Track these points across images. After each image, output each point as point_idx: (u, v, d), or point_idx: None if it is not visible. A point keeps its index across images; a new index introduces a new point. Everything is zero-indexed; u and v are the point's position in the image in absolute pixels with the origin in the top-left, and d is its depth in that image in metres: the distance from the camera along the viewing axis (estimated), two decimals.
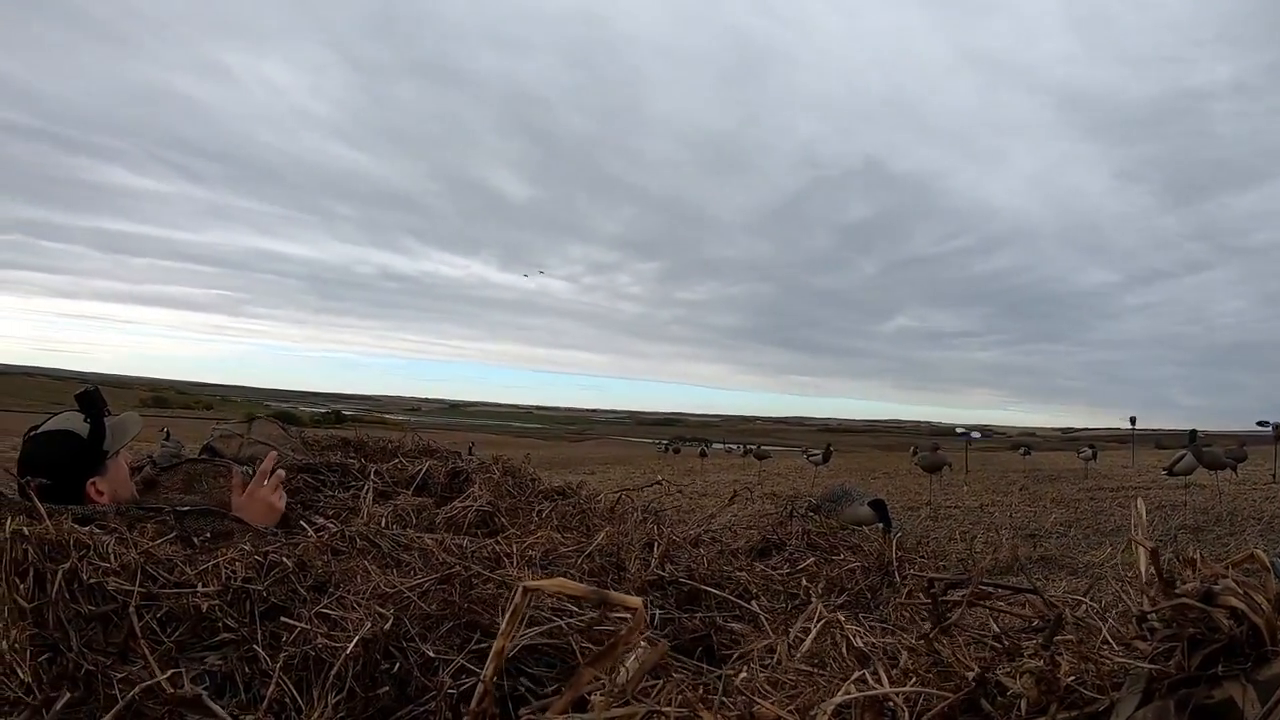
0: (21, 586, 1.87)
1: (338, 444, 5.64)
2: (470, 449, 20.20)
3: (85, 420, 2.53)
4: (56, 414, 2.66)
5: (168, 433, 17.60)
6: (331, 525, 2.57)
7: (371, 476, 3.62)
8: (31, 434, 2.58)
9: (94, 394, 2.62)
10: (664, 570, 2.29)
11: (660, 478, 6.17)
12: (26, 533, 1.91)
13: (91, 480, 2.47)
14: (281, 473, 2.59)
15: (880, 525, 6.43)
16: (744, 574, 2.41)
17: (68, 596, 1.88)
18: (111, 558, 1.96)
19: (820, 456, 16.27)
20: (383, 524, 2.76)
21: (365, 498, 3.11)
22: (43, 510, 2.04)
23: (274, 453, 2.62)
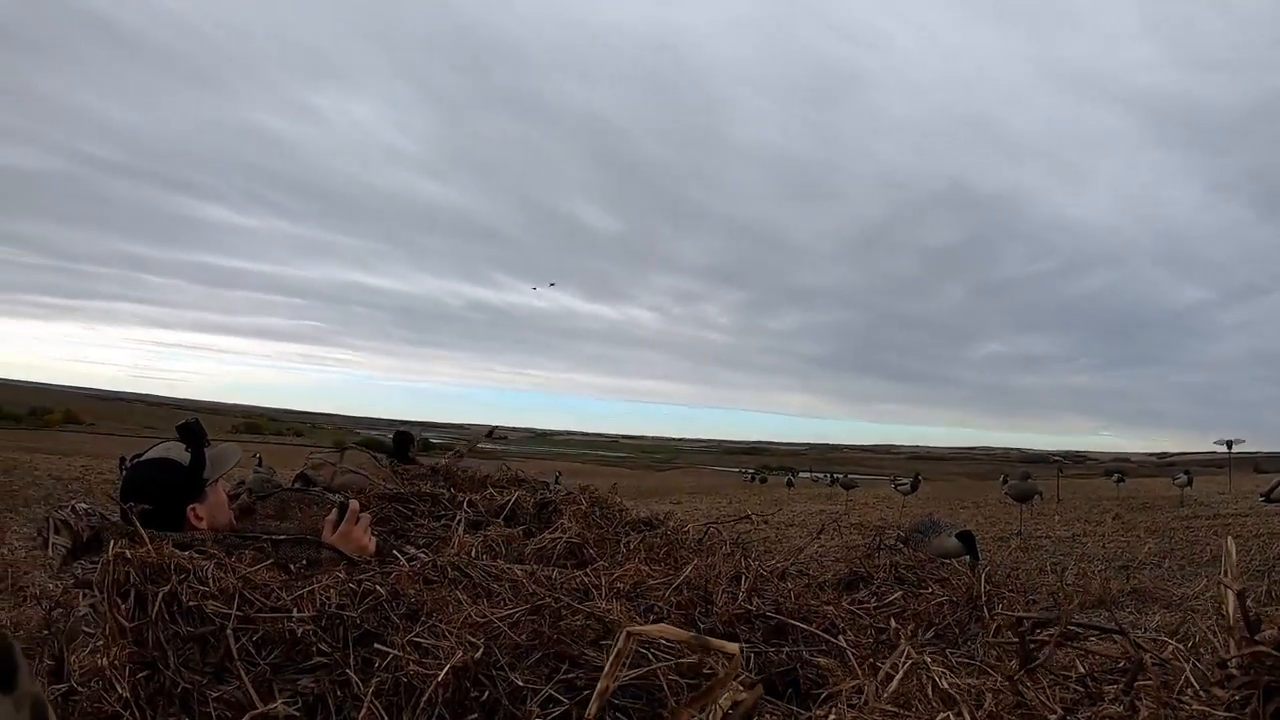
0: (123, 607, 1.93)
1: (427, 473, 5.72)
2: (557, 478, 20.23)
3: (186, 449, 2.59)
4: (158, 443, 2.73)
5: (259, 459, 17.96)
6: (423, 555, 2.59)
7: (463, 507, 3.63)
8: (135, 461, 2.67)
9: (195, 425, 2.69)
10: (751, 604, 2.27)
11: (749, 513, 6.14)
12: (129, 555, 1.97)
13: (192, 506, 2.53)
14: (369, 515, 2.63)
15: (968, 558, 6.31)
16: (830, 608, 2.38)
17: (167, 618, 1.93)
18: (210, 582, 2.01)
19: (908, 486, 15.99)
20: (473, 554, 2.78)
21: (456, 528, 3.13)
22: (144, 535, 2.09)
23: (355, 502, 2.65)
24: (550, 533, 3.06)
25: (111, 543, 2.03)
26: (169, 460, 2.60)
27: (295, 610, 2.01)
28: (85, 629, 2.15)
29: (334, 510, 2.61)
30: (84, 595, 2.20)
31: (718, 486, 32.06)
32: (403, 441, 8.20)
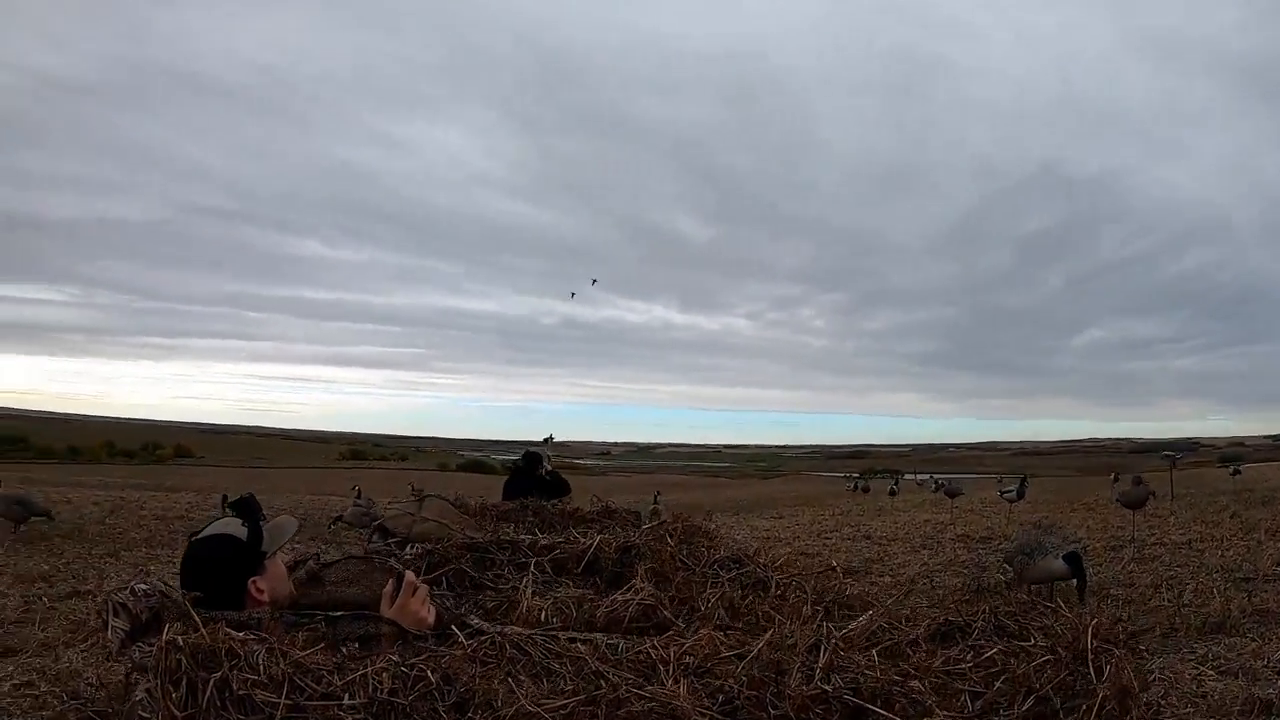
0: (174, 695, 1.89)
1: (515, 509, 5.64)
2: (656, 497, 20.15)
3: (243, 524, 2.57)
4: (215, 519, 2.74)
5: (359, 491, 18.20)
6: (485, 626, 2.48)
7: (533, 567, 3.51)
8: (193, 538, 2.66)
9: (250, 500, 2.69)
10: (829, 683, 2.07)
11: (834, 564, 5.85)
12: (181, 643, 1.92)
13: (253, 580, 2.50)
14: (426, 587, 2.53)
15: (1074, 581, 6.00)
16: (917, 683, 2.16)
17: (219, 705, 1.87)
18: (260, 668, 1.94)
19: (1014, 492, 15.46)
20: (542, 617, 2.66)
21: (525, 590, 3.00)
22: (197, 620, 2.04)
23: (410, 574, 2.56)
24: (623, 593, 2.90)
25: (166, 627, 1.99)
26: (227, 536, 2.60)
27: (346, 697, 1.91)
28: (142, 714, 2.07)
29: (391, 582, 2.52)
30: (140, 680, 2.13)
31: (821, 496, 31.68)
32: (532, 461, 8.20)
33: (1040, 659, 2.27)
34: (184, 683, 1.90)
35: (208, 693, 1.87)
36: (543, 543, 3.87)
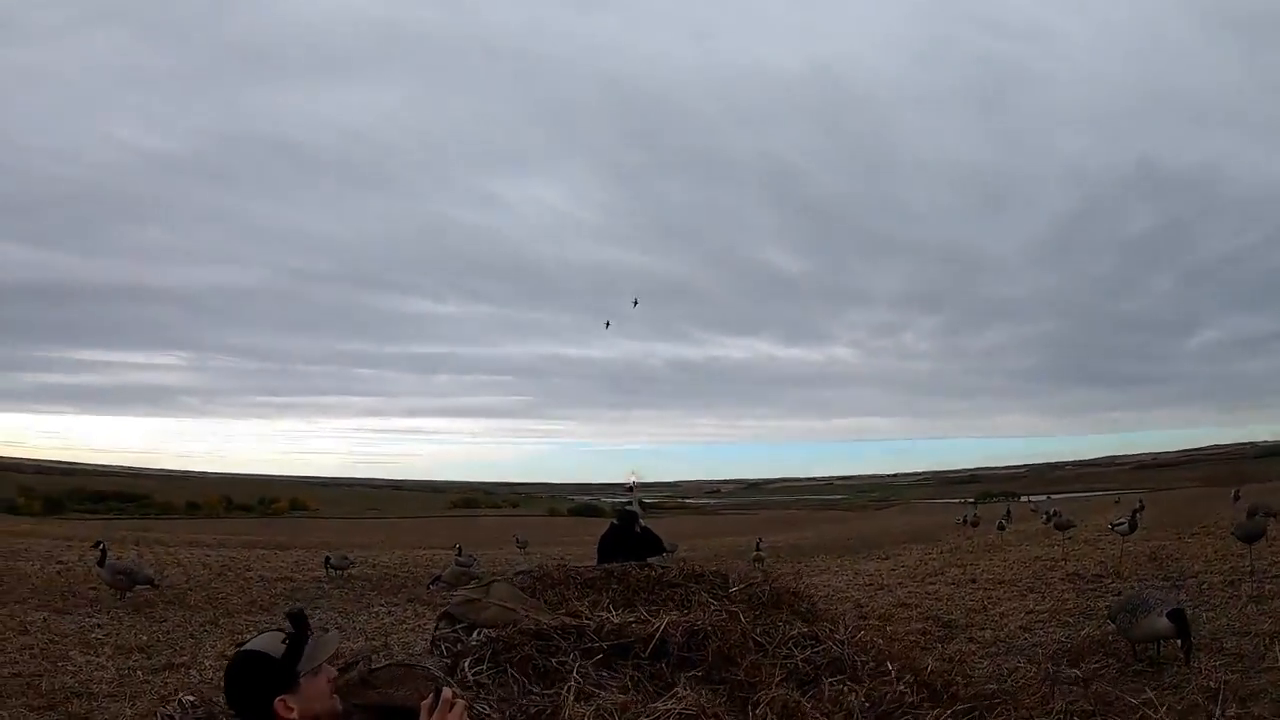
0: None
1: (600, 578, 5.65)
2: (759, 544, 19.99)
3: (284, 640, 2.62)
4: (263, 631, 2.76)
5: (459, 549, 18.41)
6: None
7: (574, 672, 3.49)
8: (236, 650, 2.71)
9: (300, 615, 2.74)
10: None
11: (928, 673, 5.65)
12: None
13: (281, 698, 2.53)
14: (463, 703, 2.53)
15: (1178, 641, 5.71)
16: None
17: None
18: None
19: (1126, 525, 14.77)
20: None
21: (568, 696, 2.98)
22: None
23: (448, 691, 2.56)
24: (665, 701, 2.86)
25: None
26: (260, 654, 2.63)
27: None
28: None
29: (430, 695, 2.53)
30: None
31: (932, 530, 31.05)
32: (627, 520, 8.29)
33: None
34: None
35: None
36: (608, 626, 3.86)
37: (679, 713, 2.75)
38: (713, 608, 4.64)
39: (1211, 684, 5.17)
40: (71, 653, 7.24)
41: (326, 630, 2.98)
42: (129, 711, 5.38)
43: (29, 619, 8.68)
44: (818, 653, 3.79)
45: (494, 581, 4.77)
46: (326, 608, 11.36)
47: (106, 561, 10.88)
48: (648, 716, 2.74)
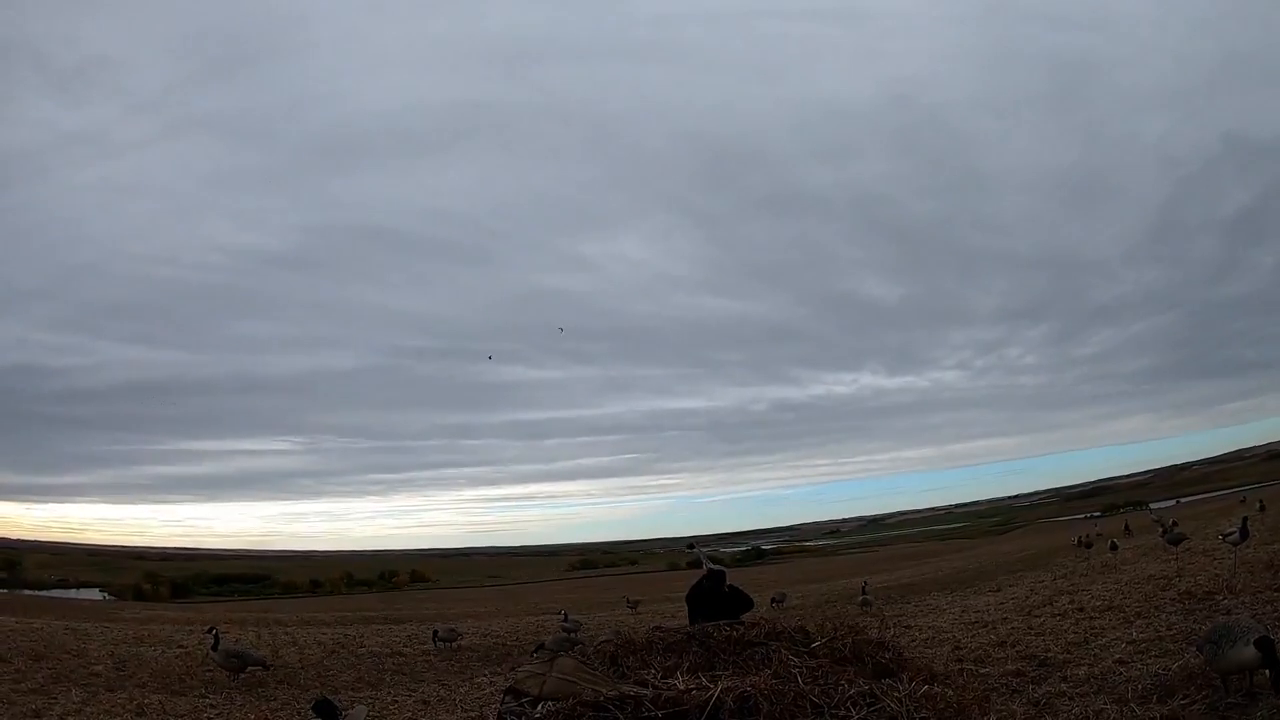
0: None
1: (682, 640, 5.74)
2: (864, 587, 19.84)
3: None
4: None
5: (565, 615, 18.58)
6: None
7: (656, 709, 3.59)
8: None
9: (327, 703, 2.88)
10: None
11: None
12: None
13: None
14: None
15: (1268, 670, 5.50)
16: None
17: None
18: None
19: (1236, 535, 14.17)
20: None
21: None
22: None
23: None
24: None
25: None
26: None
27: None
28: None
29: None
30: None
31: (1048, 554, 30.32)
32: (716, 580, 8.40)
33: None
34: None
35: None
36: (666, 695, 3.95)
37: None
38: (787, 666, 4.70)
39: None
40: None
41: (353, 706, 3.18)
42: None
43: (146, 701, 9.04)
44: (874, 711, 3.82)
45: (559, 655, 4.91)
46: (431, 680, 11.59)
47: (219, 645, 11.32)
48: None
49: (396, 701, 9.78)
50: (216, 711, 8.73)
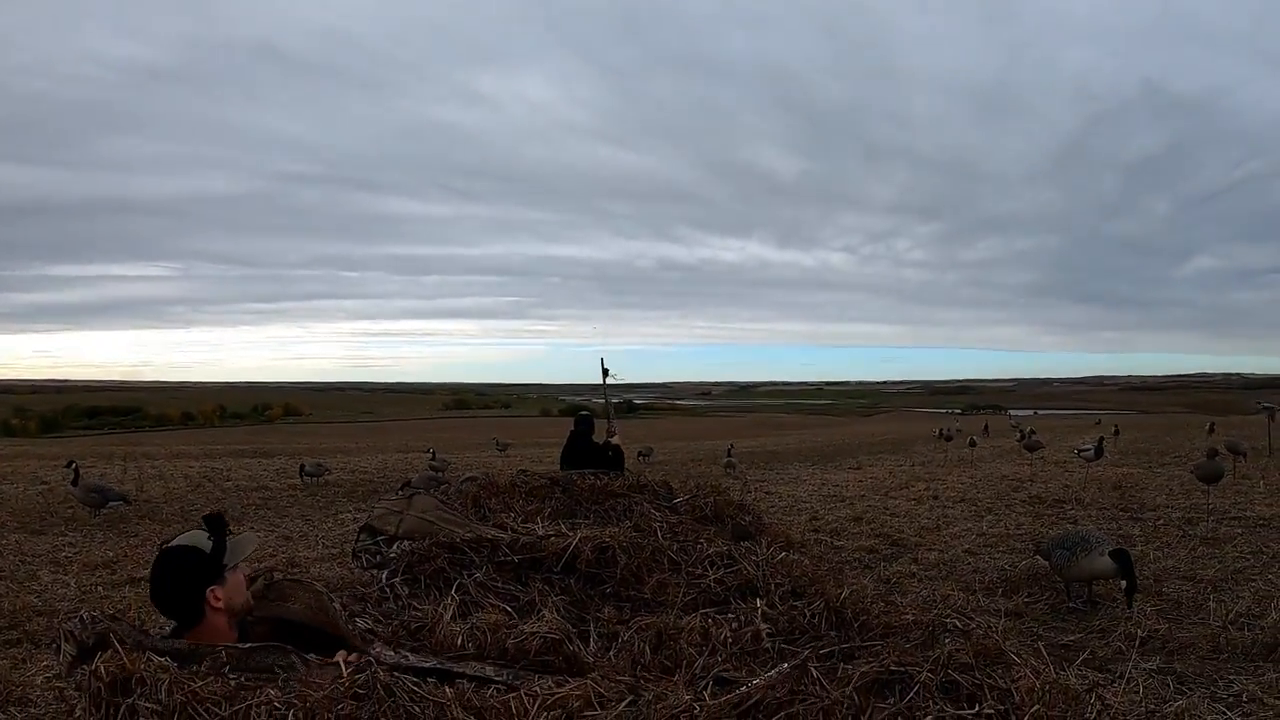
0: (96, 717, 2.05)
1: (546, 485, 5.72)
2: (729, 450, 20.18)
3: (209, 538, 2.74)
4: (186, 531, 2.89)
5: (433, 454, 18.64)
6: (387, 654, 2.60)
7: (470, 584, 3.57)
8: (164, 547, 2.84)
9: (219, 516, 2.86)
10: None
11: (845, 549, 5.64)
12: (102, 671, 2.09)
13: (212, 589, 2.67)
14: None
15: (1123, 583, 5.69)
16: None
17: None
18: (163, 695, 2.07)
19: (1092, 451, 14.80)
20: (458, 642, 2.74)
21: (444, 614, 3.05)
22: (122, 650, 2.19)
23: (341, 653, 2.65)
24: (530, 623, 2.91)
25: (98, 654, 2.16)
26: (192, 548, 2.78)
27: None
28: None
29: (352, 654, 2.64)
30: (77, 701, 2.36)
31: (909, 441, 31.37)
32: (585, 425, 8.33)
33: None
34: (104, 706, 2.08)
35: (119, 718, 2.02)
36: (523, 541, 3.93)
37: (541, 635, 2.81)
38: (649, 520, 4.72)
39: (1141, 632, 5.15)
40: (40, 572, 7.41)
41: (243, 532, 3.14)
42: None
43: (3, 542, 8.81)
44: (730, 573, 3.83)
45: (416, 494, 4.83)
46: (295, 515, 11.53)
47: (79, 481, 11.15)
48: (515, 637, 2.81)
49: (259, 536, 9.80)
50: (75, 549, 8.56)
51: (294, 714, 2.06)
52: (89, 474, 12.70)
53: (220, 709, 2.07)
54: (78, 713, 2.35)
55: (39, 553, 8.35)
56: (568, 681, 2.31)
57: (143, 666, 2.14)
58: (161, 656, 2.22)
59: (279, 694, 2.12)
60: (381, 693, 2.12)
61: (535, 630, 2.80)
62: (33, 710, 4.19)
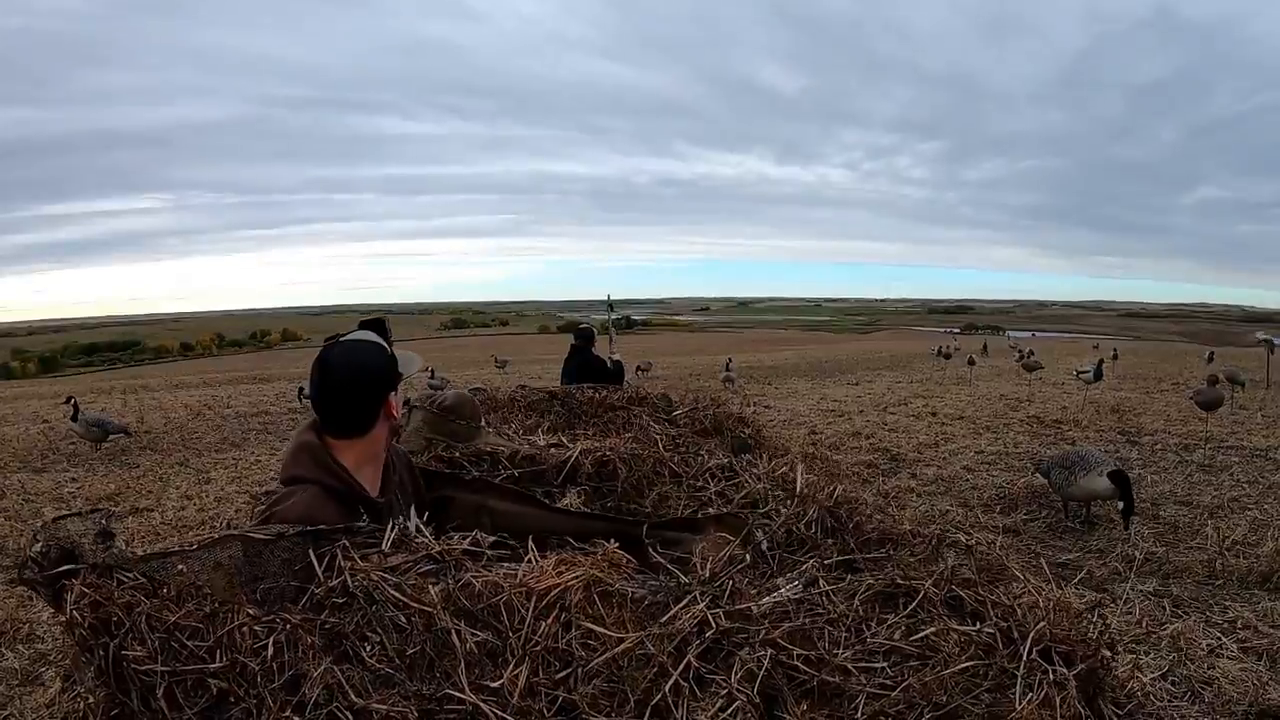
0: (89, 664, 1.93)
1: (545, 399, 5.63)
2: (728, 364, 20.05)
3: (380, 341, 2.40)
4: (352, 332, 2.45)
5: (432, 372, 18.56)
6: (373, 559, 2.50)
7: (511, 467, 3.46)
8: (338, 340, 2.42)
9: (383, 321, 2.47)
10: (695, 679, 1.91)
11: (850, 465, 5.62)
12: (79, 618, 1.94)
13: (391, 394, 2.34)
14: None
15: (1120, 505, 5.65)
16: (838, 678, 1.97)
17: (116, 675, 1.90)
18: (143, 628, 1.93)
19: (1091, 374, 14.71)
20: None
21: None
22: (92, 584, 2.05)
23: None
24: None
25: (78, 580, 1.99)
26: (381, 345, 2.39)
27: (211, 662, 1.89)
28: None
29: None
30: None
31: (908, 358, 31.28)
32: (585, 337, 8.25)
33: (967, 658, 2.02)
34: (94, 650, 1.92)
35: (109, 665, 1.89)
36: (523, 454, 3.82)
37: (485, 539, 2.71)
38: (648, 432, 4.61)
39: (1138, 554, 5.14)
40: (44, 509, 7.37)
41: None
42: None
43: (6, 482, 8.76)
44: (730, 485, 3.73)
45: (415, 408, 4.73)
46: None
47: (79, 416, 11.08)
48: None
49: (259, 461, 9.75)
50: (78, 485, 8.56)
51: (275, 637, 1.93)
52: (89, 410, 12.66)
53: (203, 639, 1.93)
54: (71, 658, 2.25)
55: (42, 490, 8.36)
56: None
57: (116, 594, 1.98)
58: (129, 573, 2.07)
59: (258, 612, 1.99)
60: (362, 602, 2.02)
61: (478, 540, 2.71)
62: (39, 647, 4.19)
